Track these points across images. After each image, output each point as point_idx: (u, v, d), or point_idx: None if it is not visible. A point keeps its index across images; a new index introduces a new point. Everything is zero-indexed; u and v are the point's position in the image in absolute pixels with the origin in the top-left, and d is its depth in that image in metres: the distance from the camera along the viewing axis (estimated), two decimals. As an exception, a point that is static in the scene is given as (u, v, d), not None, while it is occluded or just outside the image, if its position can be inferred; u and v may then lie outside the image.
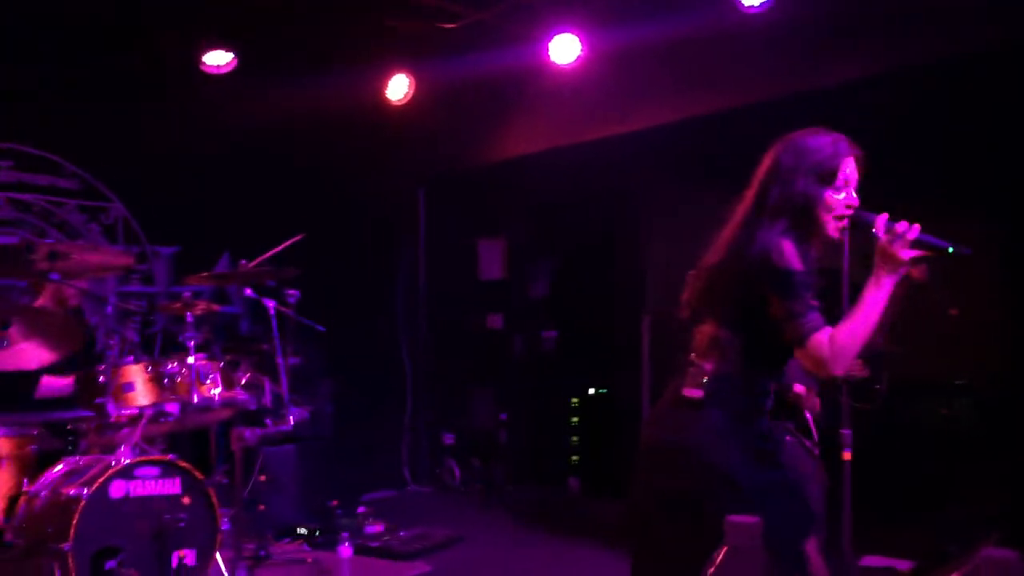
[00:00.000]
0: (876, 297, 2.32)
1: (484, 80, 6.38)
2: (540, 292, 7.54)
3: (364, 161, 7.16)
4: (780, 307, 2.32)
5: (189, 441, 4.97)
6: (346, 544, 5.04)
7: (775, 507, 2.34)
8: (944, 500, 5.26)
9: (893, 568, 4.60)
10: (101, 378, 4.04)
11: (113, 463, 3.74)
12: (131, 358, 4.26)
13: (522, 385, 7.36)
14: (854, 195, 2.45)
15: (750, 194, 2.50)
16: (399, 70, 6.54)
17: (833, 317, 3.09)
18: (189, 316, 4.39)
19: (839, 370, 2.29)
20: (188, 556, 3.94)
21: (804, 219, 2.41)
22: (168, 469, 3.91)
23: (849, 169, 2.45)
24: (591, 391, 6.95)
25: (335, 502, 5.29)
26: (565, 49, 5.77)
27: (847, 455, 3.07)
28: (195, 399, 4.22)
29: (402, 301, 7.71)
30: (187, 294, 4.53)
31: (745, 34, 5.14)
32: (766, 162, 2.51)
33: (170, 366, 4.25)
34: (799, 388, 3.53)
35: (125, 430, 4.05)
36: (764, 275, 2.34)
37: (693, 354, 2.49)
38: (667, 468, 2.45)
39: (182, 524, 3.86)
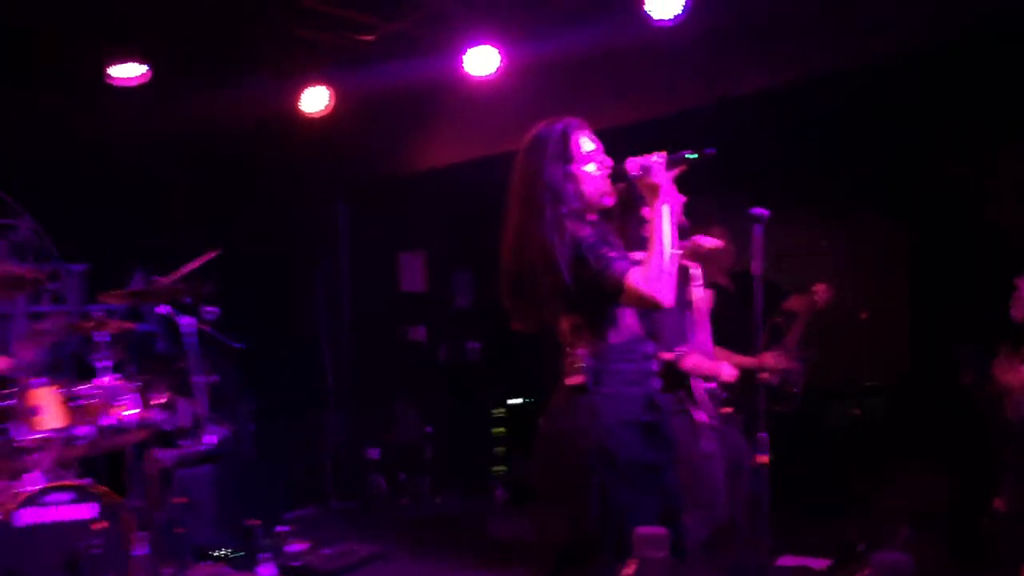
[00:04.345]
0: (660, 225, 2.51)
1: (403, 91, 6.34)
2: (463, 303, 7.53)
3: (282, 174, 7.06)
4: (588, 273, 2.49)
5: (104, 464, 4.82)
6: (267, 564, 4.96)
7: (632, 489, 2.49)
8: (858, 498, 5.42)
9: (808, 567, 4.70)
10: (7, 402, 3.91)
11: (18, 490, 3.62)
12: (41, 380, 4.13)
13: (447, 397, 7.33)
14: (605, 158, 2.70)
15: (517, 199, 2.67)
16: (317, 82, 6.47)
17: (746, 317, 3.17)
18: (102, 336, 4.28)
19: (665, 298, 2.48)
20: (103, 583, 3.84)
21: (569, 199, 2.60)
22: (83, 494, 3.81)
23: (584, 142, 2.69)
24: (515, 401, 6.96)
25: (255, 522, 5.19)
26: (483, 61, 5.78)
27: (765, 458, 3.14)
28: (108, 421, 4.11)
29: (323, 315, 7.62)
30: (99, 313, 4.41)
31: (658, 47, 5.23)
32: (516, 170, 2.71)
33: (82, 388, 4.14)
34: (667, 355, 3.57)
35: (35, 455, 3.92)
36: (562, 260, 2.50)
37: (567, 348, 2.64)
38: (554, 455, 2.61)
39: (96, 550, 3.77)
